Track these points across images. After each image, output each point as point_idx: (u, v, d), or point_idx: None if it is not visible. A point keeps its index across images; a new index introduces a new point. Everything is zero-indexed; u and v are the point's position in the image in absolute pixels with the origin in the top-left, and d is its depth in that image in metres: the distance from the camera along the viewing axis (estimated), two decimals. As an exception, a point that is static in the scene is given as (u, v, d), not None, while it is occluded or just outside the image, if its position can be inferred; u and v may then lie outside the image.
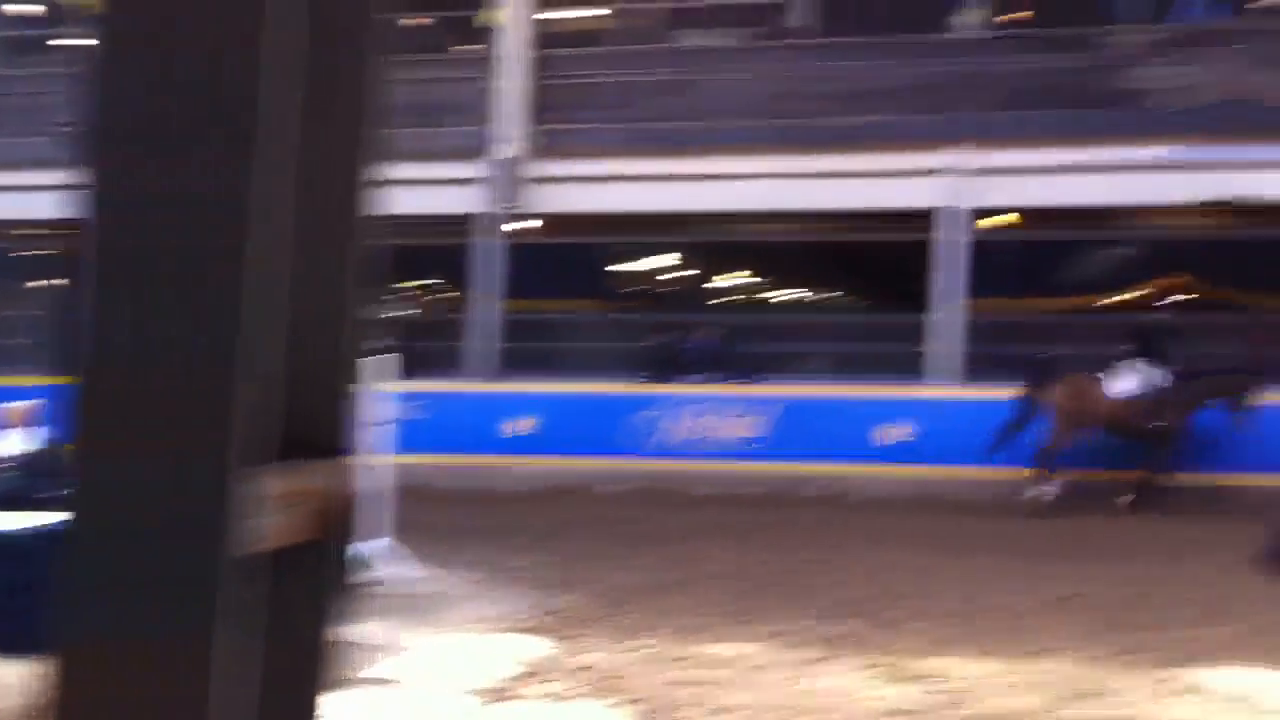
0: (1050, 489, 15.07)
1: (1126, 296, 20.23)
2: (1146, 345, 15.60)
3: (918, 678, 7.91)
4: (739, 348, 17.90)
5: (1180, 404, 14.93)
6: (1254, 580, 10.59)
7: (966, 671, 8.04)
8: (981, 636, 8.87)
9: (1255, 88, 16.00)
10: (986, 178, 16.69)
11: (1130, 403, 15.07)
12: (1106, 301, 19.80)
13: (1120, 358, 15.58)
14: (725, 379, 17.24)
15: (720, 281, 24.28)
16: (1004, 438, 15.42)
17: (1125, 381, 15.28)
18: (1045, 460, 15.29)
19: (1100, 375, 15.46)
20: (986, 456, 15.45)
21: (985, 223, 17.39)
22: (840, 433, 16.41)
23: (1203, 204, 16.60)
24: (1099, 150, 16.29)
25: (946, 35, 17.11)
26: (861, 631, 9.03)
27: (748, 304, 23.99)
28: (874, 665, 8.13)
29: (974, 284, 16.79)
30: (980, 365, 16.71)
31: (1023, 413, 15.40)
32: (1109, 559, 11.87)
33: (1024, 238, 18.32)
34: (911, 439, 16.25)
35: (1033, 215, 17.50)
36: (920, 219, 16.90)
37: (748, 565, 11.46)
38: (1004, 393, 16.26)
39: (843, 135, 16.78)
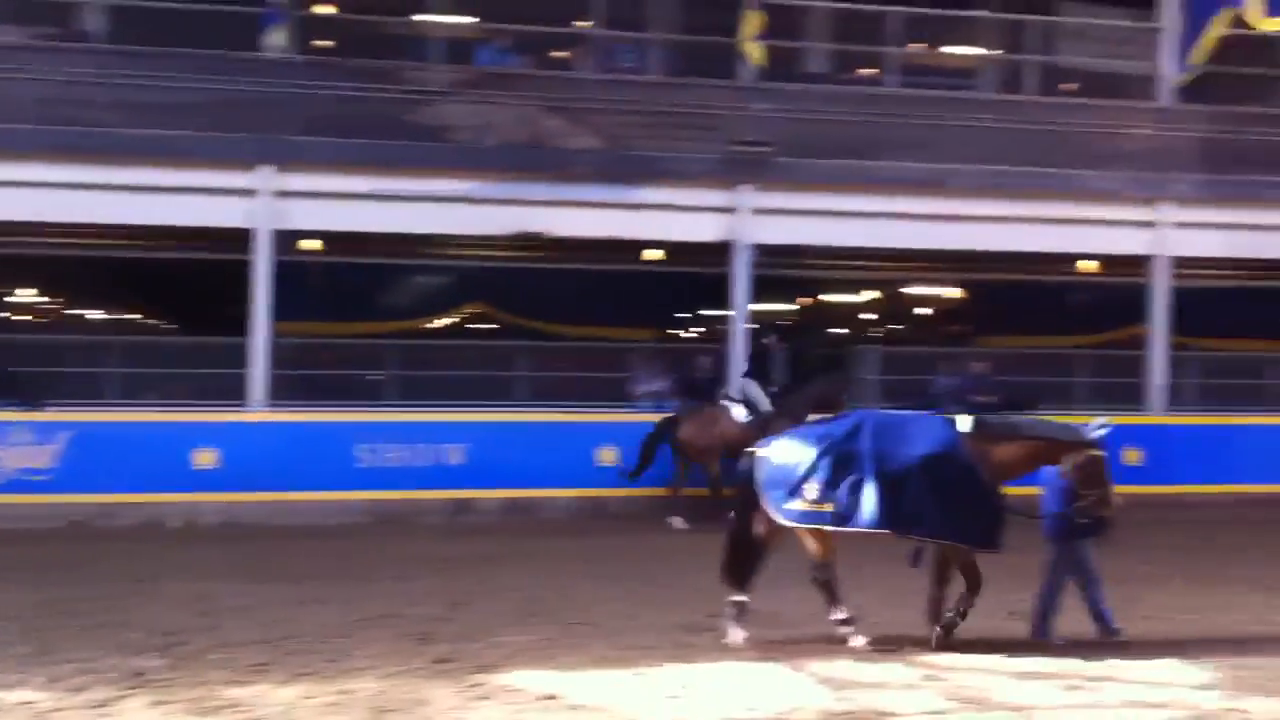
0: (678, 518, 15.43)
1: (435, 322, 21.00)
2: (753, 370, 16.62)
3: (223, 708, 7.57)
4: (26, 370, 16.30)
5: (785, 421, 15.66)
6: (617, 587, 11.43)
7: (275, 698, 7.82)
8: (293, 661, 8.67)
9: (549, 130, 17.20)
10: (294, 200, 16.46)
11: (746, 426, 15.61)
12: (418, 326, 20.39)
13: (730, 384, 16.55)
14: (9, 405, 15.60)
15: (3, 298, 22.08)
16: (641, 463, 15.69)
17: (740, 407, 15.99)
18: (675, 485, 15.81)
19: (723, 404, 16.14)
20: (624, 479, 15.68)
21: (302, 245, 17.26)
22: (148, 460, 15.40)
23: (504, 237, 17.57)
24: (406, 180, 16.69)
25: (254, 55, 16.74)
26: (169, 666, 8.51)
27: (37, 323, 22.04)
28: (178, 700, 7.69)
29: (283, 307, 16.56)
30: (290, 389, 16.51)
31: (655, 439, 15.76)
32: (449, 574, 12.12)
33: (333, 262, 18.40)
34: (224, 465, 15.68)
35: (342, 240, 17.59)
36: (231, 239, 16.42)
37: (39, 604, 10.43)
38: (317, 416, 16.21)
39: (140, 147, 15.88)
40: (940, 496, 8.75)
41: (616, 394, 17.65)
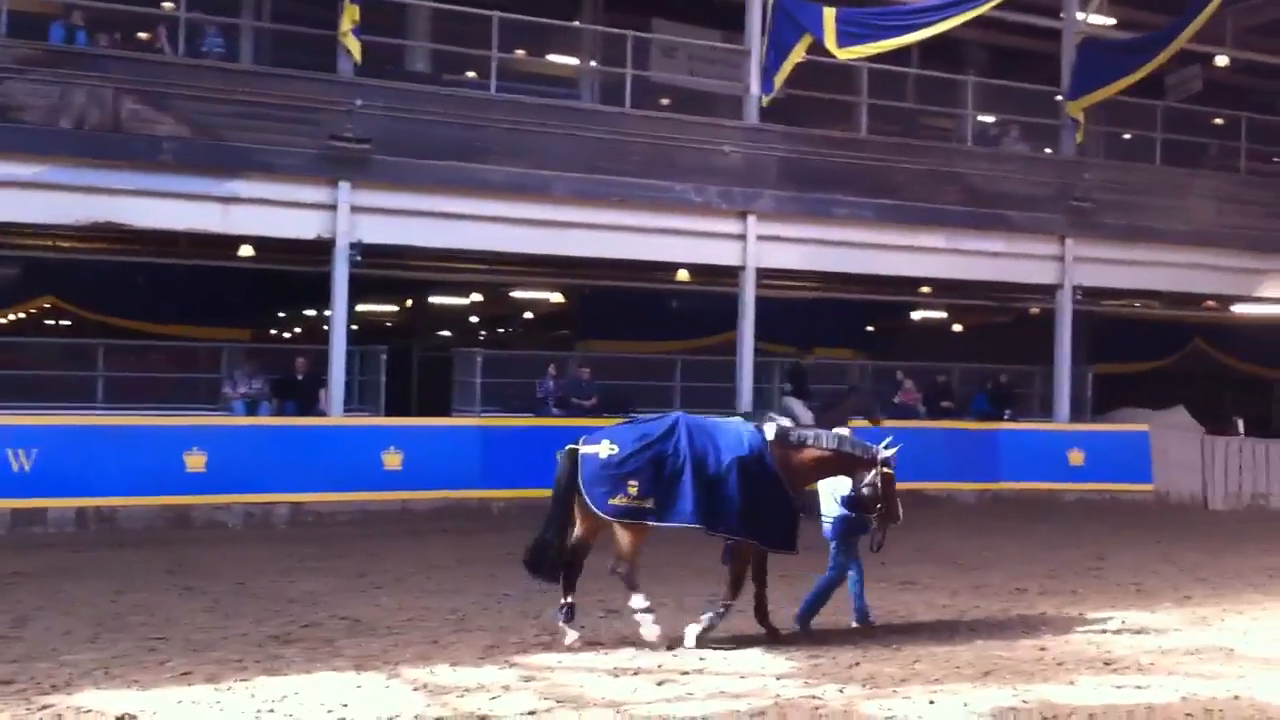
0: None
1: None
2: (795, 389, 17.56)
3: None
4: None
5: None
6: (203, 599, 10.83)
7: None
8: None
9: (130, 115, 16.02)
10: None
11: None
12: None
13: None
14: None
15: None
16: None
17: (785, 420, 15.83)
18: None
19: (769, 415, 15.93)
20: None
21: None
22: None
23: (78, 226, 16.30)
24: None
25: None
26: None
27: None
28: None
29: None
30: None
31: None
32: (12, 590, 11.10)
33: None
34: None
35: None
36: None
37: None
38: None
39: None
40: (747, 498, 9.20)
41: (207, 396, 16.78)
